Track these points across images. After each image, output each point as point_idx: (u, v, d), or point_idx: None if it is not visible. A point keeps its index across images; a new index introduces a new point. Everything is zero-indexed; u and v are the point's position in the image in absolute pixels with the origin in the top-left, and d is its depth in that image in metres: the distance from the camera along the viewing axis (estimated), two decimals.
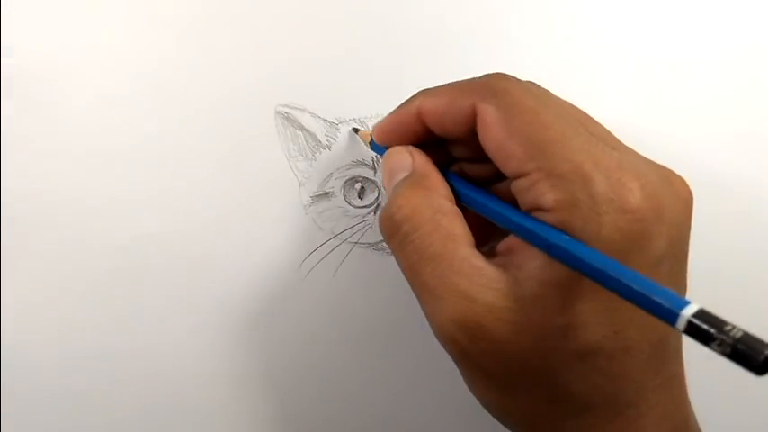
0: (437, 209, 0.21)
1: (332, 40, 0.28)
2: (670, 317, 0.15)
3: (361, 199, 0.29)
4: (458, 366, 0.21)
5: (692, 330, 0.15)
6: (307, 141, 0.28)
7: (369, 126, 0.28)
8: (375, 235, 0.29)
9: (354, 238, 0.29)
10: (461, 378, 0.22)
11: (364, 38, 0.28)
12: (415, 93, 0.23)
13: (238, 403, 0.30)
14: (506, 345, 0.19)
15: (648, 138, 0.24)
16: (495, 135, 0.20)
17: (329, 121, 0.28)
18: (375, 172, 0.29)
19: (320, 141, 0.28)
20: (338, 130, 0.28)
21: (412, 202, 0.21)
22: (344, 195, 0.29)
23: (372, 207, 0.29)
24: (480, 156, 0.21)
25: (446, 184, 0.22)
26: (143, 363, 0.29)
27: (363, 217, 0.29)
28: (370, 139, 0.26)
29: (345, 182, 0.29)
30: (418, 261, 0.20)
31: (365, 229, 0.29)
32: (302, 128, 0.28)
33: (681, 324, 0.15)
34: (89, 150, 0.28)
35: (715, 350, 0.14)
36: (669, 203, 0.19)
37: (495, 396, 0.21)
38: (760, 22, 0.29)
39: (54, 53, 0.27)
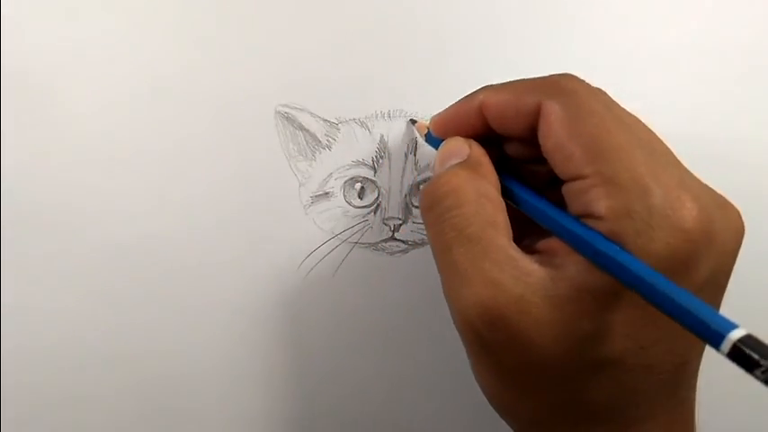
0: (483, 193, 0.21)
1: (332, 40, 0.28)
2: (715, 338, 0.15)
3: (361, 199, 0.29)
4: (470, 354, 0.21)
5: (736, 355, 0.15)
6: (307, 141, 0.28)
7: (372, 125, 0.28)
8: (375, 235, 0.29)
9: (354, 239, 0.29)
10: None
11: (365, 38, 0.28)
12: (478, 88, 0.23)
13: (237, 403, 0.30)
14: (527, 340, 0.19)
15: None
16: (556, 133, 0.20)
17: (329, 121, 0.28)
18: (375, 172, 0.29)
19: (320, 141, 0.28)
20: (338, 130, 0.28)
21: (459, 179, 0.21)
22: (344, 195, 0.29)
23: (372, 207, 0.29)
24: (534, 156, 0.21)
25: (497, 176, 0.22)
26: (143, 363, 0.29)
27: (363, 217, 0.29)
28: (426, 130, 0.26)
29: (345, 182, 0.29)
30: (453, 239, 0.20)
31: (365, 229, 0.29)
32: (302, 128, 0.28)
33: (725, 347, 0.15)
34: (89, 150, 0.28)
35: (758, 378, 0.14)
36: (721, 231, 0.19)
37: (502, 391, 0.21)
38: None
39: (54, 53, 0.27)
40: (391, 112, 0.28)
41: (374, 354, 0.30)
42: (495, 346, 0.19)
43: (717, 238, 0.18)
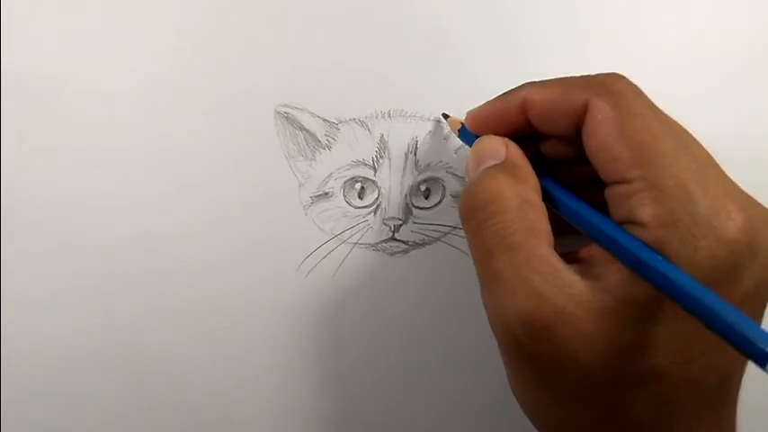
0: (525, 199, 0.20)
1: (332, 40, 0.28)
2: (760, 357, 0.15)
3: (361, 199, 0.29)
4: (508, 363, 0.21)
5: None
6: (306, 141, 0.28)
7: (372, 125, 0.28)
8: (375, 235, 0.29)
9: (354, 239, 0.29)
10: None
11: (364, 38, 0.28)
12: (521, 84, 0.23)
13: (236, 403, 0.30)
14: (570, 352, 0.18)
15: None
16: (603, 133, 0.19)
17: (329, 121, 0.28)
18: (375, 172, 0.29)
19: (320, 141, 0.28)
20: (338, 129, 0.28)
21: (500, 185, 0.21)
22: (344, 195, 0.29)
23: (372, 207, 0.29)
24: (571, 156, 0.21)
25: (536, 179, 0.22)
26: (142, 363, 0.29)
27: (363, 217, 0.29)
28: (460, 125, 0.25)
29: (345, 182, 0.29)
30: (496, 246, 0.20)
31: (365, 229, 0.29)
32: (302, 128, 0.28)
33: None
34: (89, 150, 0.28)
35: None
36: (766, 242, 0.18)
37: (541, 400, 0.20)
38: None
39: (54, 53, 0.27)
40: (391, 112, 0.28)
41: (374, 354, 0.30)
42: (538, 357, 0.19)
43: (761, 250, 0.18)
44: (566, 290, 0.18)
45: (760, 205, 0.19)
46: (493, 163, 0.22)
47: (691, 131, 0.20)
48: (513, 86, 0.23)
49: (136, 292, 0.29)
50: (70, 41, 0.27)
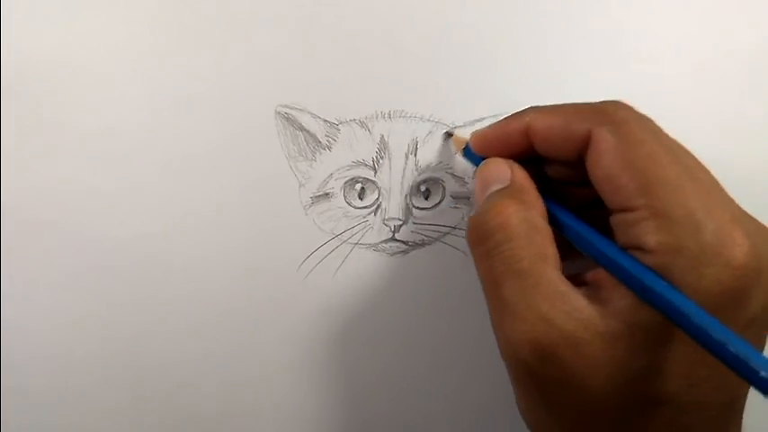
0: (532, 224, 0.20)
1: (332, 41, 0.28)
2: (764, 385, 0.15)
3: (362, 199, 0.29)
4: (517, 388, 0.21)
5: None
6: (307, 142, 0.28)
7: (372, 126, 0.28)
8: (375, 236, 0.29)
9: (355, 239, 0.29)
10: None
11: (364, 38, 0.28)
12: (525, 108, 0.23)
13: (236, 404, 0.30)
14: (579, 377, 0.18)
15: None
16: (608, 164, 0.19)
17: (329, 122, 0.28)
18: (375, 172, 0.29)
19: (320, 142, 0.28)
20: (338, 130, 0.28)
21: (507, 212, 0.21)
22: (345, 196, 0.29)
23: (373, 208, 0.29)
24: (575, 179, 0.21)
25: (542, 202, 0.22)
26: (142, 363, 0.29)
27: (364, 217, 0.29)
28: (464, 145, 0.25)
29: (345, 182, 0.29)
30: (503, 273, 0.20)
31: (365, 229, 0.29)
32: (302, 128, 0.28)
33: None
34: (89, 150, 0.28)
35: None
36: None
37: (549, 424, 0.20)
38: None
39: (54, 53, 0.27)
40: (391, 113, 0.28)
41: (374, 353, 0.30)
42: (547, 383, 0.19)
43: (764, 274, 0.18)
44: (574, 315, 0.19)
45: (763, 227, 0.19)
46: (499, 187, 0.22)
47: (693, 146, 0.20)
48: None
49: (136, 291, 0.29)
50: (70, 41, 0.27)
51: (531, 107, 0.23)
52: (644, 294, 0.18)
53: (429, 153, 0.28)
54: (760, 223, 0.20)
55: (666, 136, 0.20)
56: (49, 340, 0.29)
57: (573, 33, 0.29)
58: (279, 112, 0.28)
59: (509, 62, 0.28)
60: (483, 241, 0.21)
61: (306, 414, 0.31)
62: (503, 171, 0.22)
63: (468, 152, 0.25)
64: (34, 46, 0.27)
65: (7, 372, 0.29)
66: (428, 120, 0.28)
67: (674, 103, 0.29)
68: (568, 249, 0.21)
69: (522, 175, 0.22)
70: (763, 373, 0.15)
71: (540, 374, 0.19)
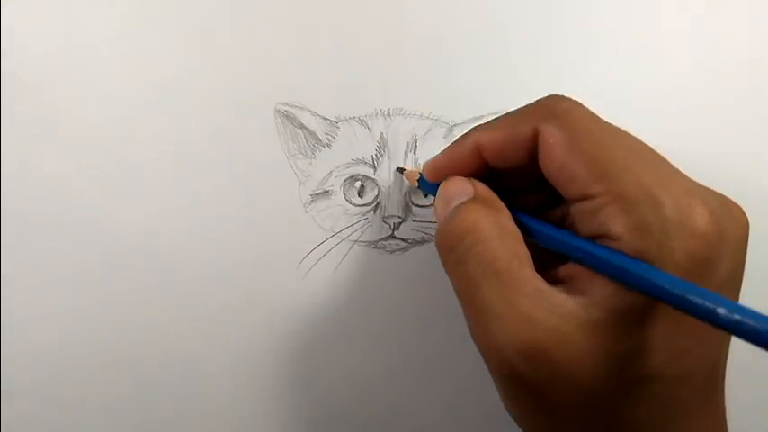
0: (503, 226, 0.20)
1: (332, 39, 0.28)
2: (760, 339, 0.15)
3: (361, 197, 0.29)
4: (504, 392, 0.21)
5: None
6: (306, 140, 0.28)
7: (371, 123, 0.28)
8: (375, 233, 0.29)
9: (354, 237, 0.29)
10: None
11: (364, 37, 0.28)
12: (468, 130, 0.23)
13: (238, 402, 0.30)
14: (569, 372, 0.18)
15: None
16: (558, 156, 0.20)
17: (329, 120, 0.28)
18: (375, 170, 0.29)
19: (320, 140, 0.28)
20: (338, 128, 0.28)
21: (476, 216, 0.21)
22: (344, 194, 0.29)
23: (372, 205, 0.29)
24: (533, 185, 0.21)
25: (508, 210, 0.22)
26: (142, 363, 0.29)
27: (363, 215, 0.29)
28: (418, 176, 0.25)
29: (345, 180, 0.29)
30: (481, 275, 0.19)
31: (365, 227, 0.29)
32: (302, 126, 0.28)
33: None
34: (89, 150, 0.28)
35: None
36: (731, 230, 0.19)
37: (541, 422, 0.20)
38: None
39: (54, 53, 0.27)
40: (391, 111, 0.28)
41: (374, 351, 0.30)
42: (536, 384, 0.19)
43: (727, 238, 0.19)
44: (556, 311, 0.18)
45: (718, 194, 0.20)
46: (463, 200, 0.22)
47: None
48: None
49: (136, 290, 0.29)
50: (70, 41, 0.27)
51: (476, 126, 0.23)
52: (625, 278, 0.18)
53: (428, 150, 0.29)
54: (712, 190, 0.20)
55: (606, 122, 0.21)
56: (49, 341, 0.29)
57: (571, 32, 0.29)
58: (278, 110, 0.28)
59: (508, 60, 0.28)
60: (454, 247, 0.21)
61: (305, 411, 0.31)
62: (464, 186, 0.22)
63: (423, 183, 0.25)
64: (34, 46, 0.27)
65: (7, 371, 0.29)
66: (427, 117, 0.28)
67: (675, 102, 0.30)
68: (538, 256, 0.21)
69: (483, 187, 0.22)
70: (759, 328, 0.15)
71: (529, 376, 0.19)
